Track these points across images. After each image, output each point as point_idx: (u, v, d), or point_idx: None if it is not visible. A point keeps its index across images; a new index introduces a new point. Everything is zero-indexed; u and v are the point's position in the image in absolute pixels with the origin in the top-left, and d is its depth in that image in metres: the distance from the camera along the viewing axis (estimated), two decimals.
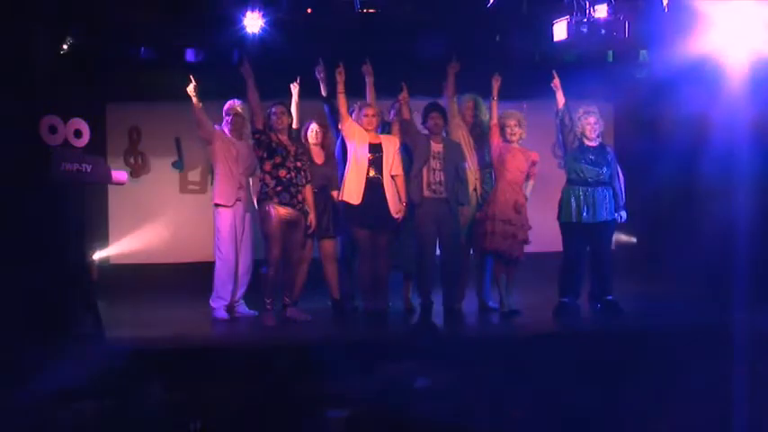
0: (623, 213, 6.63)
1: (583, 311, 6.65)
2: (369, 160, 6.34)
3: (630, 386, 4.92)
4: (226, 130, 6.58)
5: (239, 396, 3.99)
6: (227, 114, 6.57)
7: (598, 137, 6.53)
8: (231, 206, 6.52)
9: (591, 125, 6.46)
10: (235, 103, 6.60)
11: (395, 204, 6.38)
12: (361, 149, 6.33)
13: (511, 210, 6.42)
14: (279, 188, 6.22)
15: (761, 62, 6.23)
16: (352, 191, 6.34)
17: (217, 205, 6.55)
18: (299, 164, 6.30)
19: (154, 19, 6.71)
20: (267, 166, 6.27)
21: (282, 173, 6.23)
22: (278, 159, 6.25)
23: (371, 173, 6.35)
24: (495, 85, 6.61)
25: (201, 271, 6.71)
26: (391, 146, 6.44)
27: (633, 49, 7.37)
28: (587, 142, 6.49)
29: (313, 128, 6.69)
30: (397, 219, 6.40)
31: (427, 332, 5.95)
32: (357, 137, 6.35)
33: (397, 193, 6.42)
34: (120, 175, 6.62)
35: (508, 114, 6.56)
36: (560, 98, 6.51)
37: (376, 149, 6.37)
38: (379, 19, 6.94)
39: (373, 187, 6.33)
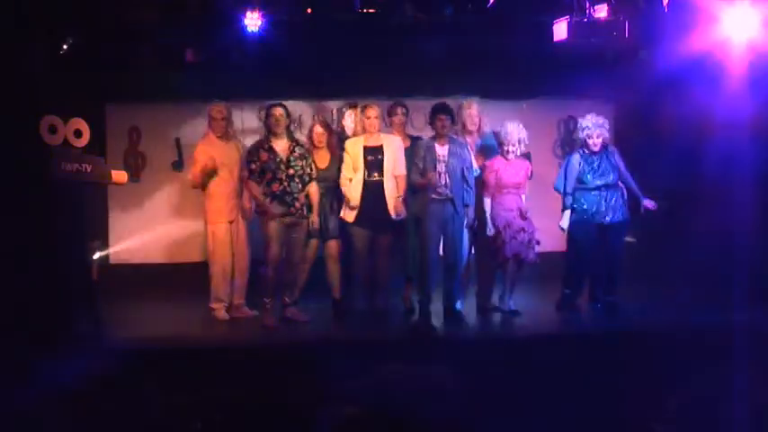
0: (648, 203, 6.58)
1: (583, 311, 6.66)
2: (368, 162, 6.33)
3: (630, 386, 4.91)
4: (212, 134, 6.58)
5: (239, 396, 3.99)
6: (211, 119, 6.60)
7: (602, 145, 6.51)
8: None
9: (593, 139, 6.46)
10: (215, 107, 6.60)
11: (393, 205, 6.36)
12: (358, 161, 6.34)
13: (519, 218, 6.45)
14: (274, 202, 6.23)
15: (761, 61, 6.23)
16: (350, 192, 6.34)
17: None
18: (291, 171, 6.26)
19: (154, 19, 6.71)
20: (262, 185, 6.28)
21: (275, 186, 6.23)
22: (269, 176, 6.24)
23: (370, 175, 6.34)
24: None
25: (201, 271, 6.71)
26: (393, 146, 6.41)
27: (633, 49, 7.37)
28: (588, 151, 6.50)
29: (316, 130, 6.62)
30: (398, 216, 6.36)
31: (426, 332, 5.95)
32: (351, 159, 6.36)
33: (397, 191, 6.39)
34: (119, 175, 6.62)
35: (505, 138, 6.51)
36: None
37: (376, 152, 6.35)
38: (379, 19, 6.94)
39: (373, 189, 6.32)
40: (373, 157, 6.33)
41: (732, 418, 3.90)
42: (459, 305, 6.58)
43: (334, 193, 6.58)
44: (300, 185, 6.30)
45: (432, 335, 5.90)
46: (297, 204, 6.26)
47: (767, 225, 6.65)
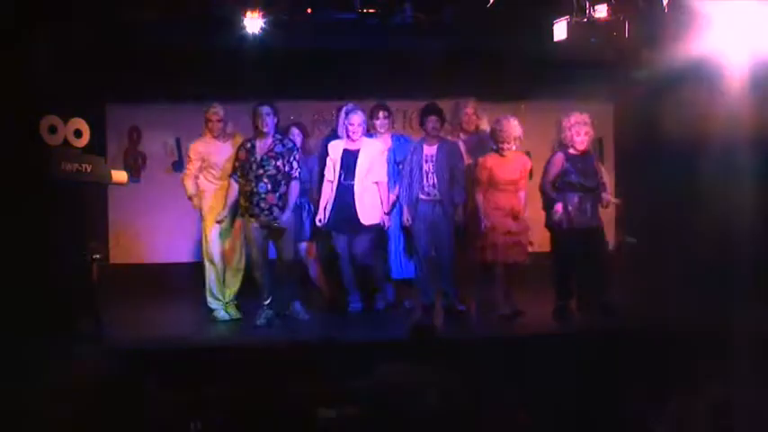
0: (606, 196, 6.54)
1: (581, 312, 6.65)
2: (343, 165, 6.35)
3: (630, 386, 4.91)
4: (208, 134, 6.58)
5: (239, 396, 3.99)
6: (207, 121, 6.59)
7: (588, 145, 6.47)
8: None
9: (580, 137, 6.39)
10: (210, 110, 6.59)
11: (364, 210, 6.35)
12: (337, 164, 6.40)
13: (509, 219, 6.34)
14: (247, 204, 6.22)
15: (761, 62, 6.23)
16: (324, 194, 6.41)
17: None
18: (261, 171, 6.17)
19: (154, 19, 6.71)
20: (241, 186, 6.28)
21: (248, 187, 6.20)
22: (245, 176, 6.22)
23: (345, 178, 6.36)
24: None
25: (201, 271, 6.71)
26: (371, 150, 6.41)
27: (633, 49, 7.36)
28: (573, 151, 6.43)
29: (292, 131, 6.68)
30: (381, 223, 6.41)
31: (426, 332, 5.94)
32: (331, 162, 6.43)
33: (379, 199, 6.41)
34: (119, 175, 6.62)
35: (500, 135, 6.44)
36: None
37: (353, 156, 6.36)
38: (379, 19, 6.94)
39: (344, 192, 6.35)
40: (348, 161, 6.37)
41: (732, 418, 3.90)
42: (459, 305, 6.58)
43: (305, 195, 6.61)
44: (270, 185, 6.16)
45: (432, 335, 5.90)
46: (263, 205, 6.18)
47: (767, 225, 6.64)
